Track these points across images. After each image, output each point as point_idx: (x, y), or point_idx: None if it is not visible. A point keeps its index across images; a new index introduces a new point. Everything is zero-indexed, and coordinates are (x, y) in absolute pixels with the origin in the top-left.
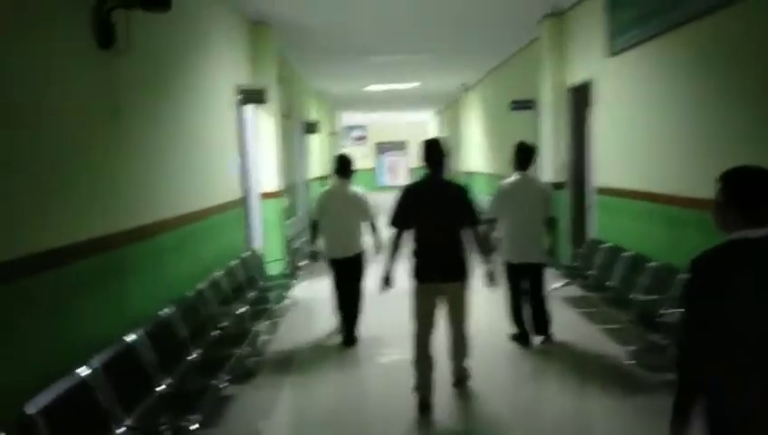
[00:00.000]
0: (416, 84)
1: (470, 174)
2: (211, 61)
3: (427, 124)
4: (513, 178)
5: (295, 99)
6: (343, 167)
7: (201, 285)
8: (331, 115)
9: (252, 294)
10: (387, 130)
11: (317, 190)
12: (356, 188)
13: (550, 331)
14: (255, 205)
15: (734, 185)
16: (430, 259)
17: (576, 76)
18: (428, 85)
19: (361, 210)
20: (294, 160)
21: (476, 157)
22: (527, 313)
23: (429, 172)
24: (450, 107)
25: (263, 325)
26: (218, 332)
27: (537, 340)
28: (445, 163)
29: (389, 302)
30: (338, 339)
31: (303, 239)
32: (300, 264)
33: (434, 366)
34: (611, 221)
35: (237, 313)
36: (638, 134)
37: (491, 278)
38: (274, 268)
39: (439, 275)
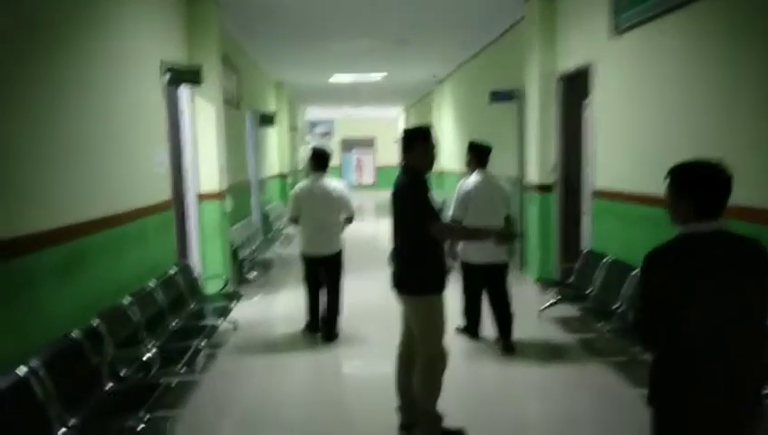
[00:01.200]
0: (383, 75)
1: (441, 174)
2: (125, 26)
3: (396, 120)
4: (475, 177)
5: (248, 87)
6: (320, 160)
7: (95, 321)
8: (294, 109)
9: (174, 324)
10: (354, 126)
11: (276, 189)
12: (335, 181)
13: (512, 335)
14: (192, 208)
15: (684, 179)
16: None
17: (570, 62)
18: (397, 77)
19: (343, 204)
20: (246, 156)
21: (450, 155)
22: (491, 315)
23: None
24: (421, 101)
25: (182, 373)
26: (109, 391)
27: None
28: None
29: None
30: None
31: (254, 247)
32: (250, 275)
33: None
34: (612, 230)
35: (145, 358)
36: (648, 128)
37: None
38: (215, 285)
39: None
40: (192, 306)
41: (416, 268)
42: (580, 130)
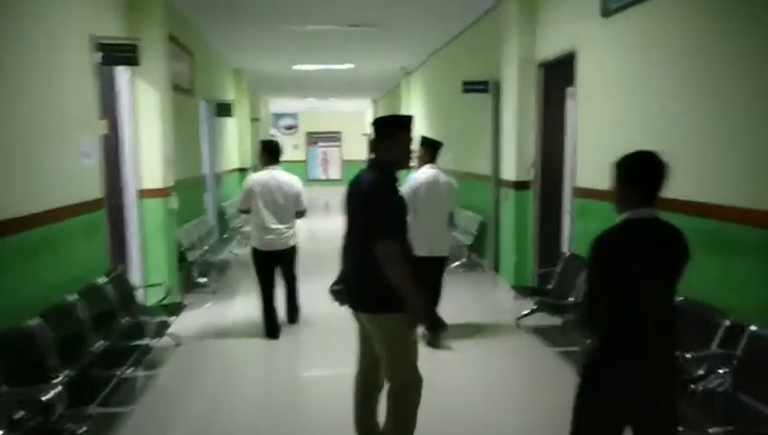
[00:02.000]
0: (350, 66)
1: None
2: None
3: (363, 114)
4: (424, 172)
5: (203, 73)
6: (271, 152)
7: None
8: (255, 99)
9: (98, 346)
10: (320, 119)
11: (235, 184)
12: (288, 174)
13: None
14: (132, 207)
15: (637, 169)
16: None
17: (551, 48)
18: (364, 68)
19: (297, 197)
20: (200, 149)
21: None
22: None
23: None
24: (391, 93)
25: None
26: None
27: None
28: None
29: None
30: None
31: (206, 248)
32: (201, 280)
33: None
34: (595, 232)
35: (45, 398)
36: (639, 120)
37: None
38: (158, 293)
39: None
40: (124, 322)
41: (380, 280)
42: (561, 122)
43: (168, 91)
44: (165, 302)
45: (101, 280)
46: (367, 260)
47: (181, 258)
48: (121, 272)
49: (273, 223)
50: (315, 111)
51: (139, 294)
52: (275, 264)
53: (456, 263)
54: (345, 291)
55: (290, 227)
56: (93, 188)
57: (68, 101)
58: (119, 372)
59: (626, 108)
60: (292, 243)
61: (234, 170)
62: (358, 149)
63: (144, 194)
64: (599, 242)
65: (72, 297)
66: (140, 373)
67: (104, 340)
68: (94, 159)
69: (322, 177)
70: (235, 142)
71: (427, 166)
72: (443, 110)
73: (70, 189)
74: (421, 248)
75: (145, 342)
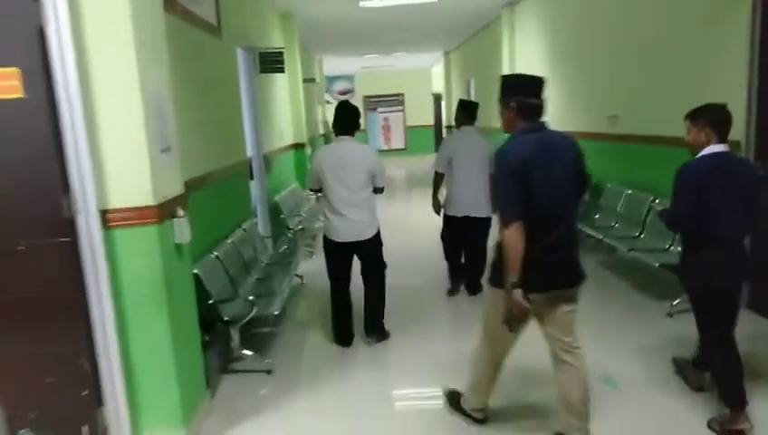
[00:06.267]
0: None
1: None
2: None
3: (429, 72)
4: (461, 132)
5: (236, 9)
6: (347, 119)
7: None
8: (308, 56)
9: None
10: (379, 80)
11: (291, 167)
12: (366, 146)
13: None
14: (87, 251)
15: (714, 117)
16: None
17: None
18: (450, 1)
19: (378, 173)
20: (238, 119)
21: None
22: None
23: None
24: (472, 41)
25: None
26: None
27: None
28: None
29: None
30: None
31: (250, 289)
32: (245, 353)
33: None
34: None
35: None
36: None
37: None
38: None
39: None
40: None
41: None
42: None
43: (160, 7)
44: None
45: None
46: (575, 226)
47: (209, 319)
48: None
49: (346, 207)
50: (373, 72)
51: None
52: (352, 257)
53: None
54: (565, 268)
55: (369, 212)
56: None
57: None
58: None
59: None
60: (371, 232)
61: (287, 148)
62: (423, 112)
63: (110, 221)
64: (685, 168)
65: None
66: None
67: None
68: None
69: (384, 147)
70: (287, 110)
71: (462, 128)
72: (613, 54)
73: None
74: (458, 209)
75: None
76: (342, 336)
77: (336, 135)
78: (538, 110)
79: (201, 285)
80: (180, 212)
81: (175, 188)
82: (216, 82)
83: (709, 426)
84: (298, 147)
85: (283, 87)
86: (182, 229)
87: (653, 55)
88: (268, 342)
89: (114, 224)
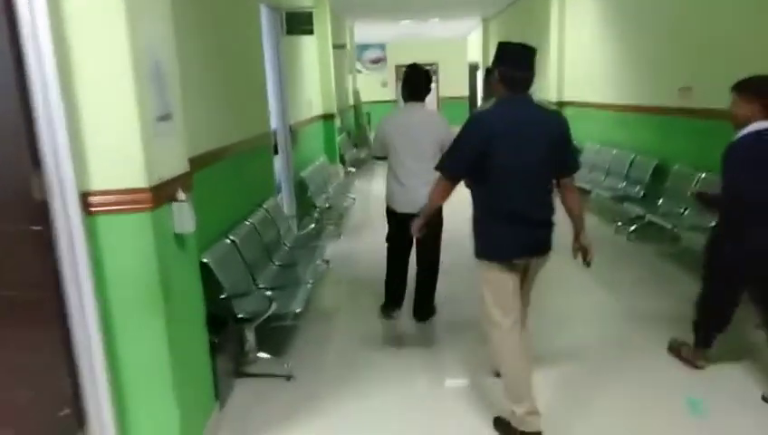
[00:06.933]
0: None
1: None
2: None
3: (464, 40)
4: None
5: None
6: (419, 83)
7: None
8: (338, 21)
9: None
10: (412, 49)
11: (319, 139)
12: (435, 114)
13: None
14: (67, 243)
15: (759, 89)
16: None
17: None
18: None
19: (449, 144)
20: (262, 86)
21: (591, 83)
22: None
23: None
24: (514, 6)
25: None
26: None
27: None
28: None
29: None
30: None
31: (269, 280)
32: (261, 356)
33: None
34: None
35: None
36: None
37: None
38: None
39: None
40: None
41: None
42: None
43: None
44: None
45: None
46: (551, 198)
47: (220, 316)
48: None
49: (411, 178)
50: (406, 40)
51: None
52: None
53: None
54: (535, 235)
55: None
56: None
57: None
58: None
59: None
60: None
61: (315, 119)
62: (458, 83)
63: (93, 206)
64: (732, 146)
65: None
66: None
67: None
68: None
69: None
70: (316, 78)
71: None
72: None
73: None
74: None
75: None
76: (393, 296)
77: (405, 101)
78: (522, 82)
79: (212, 276)
80: (181, 195)
81: (175, 166)
82: (234, 43)
83: (670, 346)
84: (327, 118)
85: (311, 52)
86: (183, 216)
87: (734, 15)
88: (287, 339)
89: (97, 209)
